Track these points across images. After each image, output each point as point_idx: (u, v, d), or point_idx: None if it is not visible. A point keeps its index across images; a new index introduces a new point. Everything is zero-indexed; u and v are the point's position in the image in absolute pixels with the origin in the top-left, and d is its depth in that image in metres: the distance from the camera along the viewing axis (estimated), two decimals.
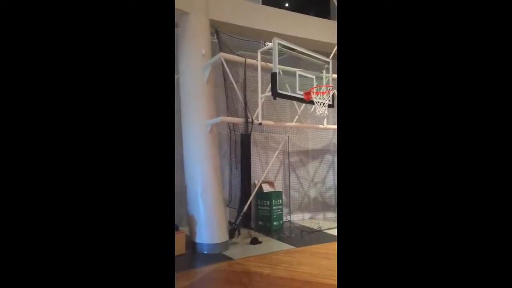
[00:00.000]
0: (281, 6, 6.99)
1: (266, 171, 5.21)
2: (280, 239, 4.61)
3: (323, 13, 6.19)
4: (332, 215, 6.08)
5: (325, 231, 5.01)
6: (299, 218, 5.84)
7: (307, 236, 4.69)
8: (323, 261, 3.56)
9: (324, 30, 5.51)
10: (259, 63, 4.19)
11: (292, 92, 4.21)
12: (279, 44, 3.98)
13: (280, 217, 5.32)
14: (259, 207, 5.33)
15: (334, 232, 4.91)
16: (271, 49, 4.03)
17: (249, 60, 4.44)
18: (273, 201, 5.20)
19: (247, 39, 5.05)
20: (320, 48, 5.17)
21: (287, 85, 4.19)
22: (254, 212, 5.35)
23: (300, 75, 4.32)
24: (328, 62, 4.77)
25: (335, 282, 2.87)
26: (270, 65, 4.16)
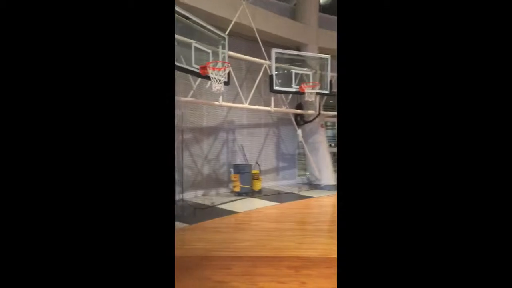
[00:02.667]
0: None
1: None
2: None
3: None
4: (225, 190, 6.29)
5: (217, 206, 5.14)
6: (192, 196, 5.79)
7: (200, 213, 4.70)
8: (216, 235, 3.66)
9: (219, 4, 5.37)
10: None
11: (187, 65, 3.98)
12: (175, 11, 3.65)
13: None
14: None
15: (226, 206, 5.10)
16: None
17: None
18: None
19: None
20: (215, 22, 5.03)
21: (181, 57, 3.92)
22: None
23: (196, 48, 4.11)
24: (224, 38, 4.70)
25: (228, 254, 3.01)
26: None
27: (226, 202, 5.35)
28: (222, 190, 6.29)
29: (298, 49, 6.80)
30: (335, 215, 5.39)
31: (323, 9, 7.66)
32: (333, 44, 7.16)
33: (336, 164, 7.52)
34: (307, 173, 7.37)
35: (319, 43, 7.03)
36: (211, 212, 4.79)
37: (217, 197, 5.80)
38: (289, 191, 6.41)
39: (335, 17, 7.94)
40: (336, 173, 7.14)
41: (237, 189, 5.89)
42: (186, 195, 5.63)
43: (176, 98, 4.98)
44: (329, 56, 6.36)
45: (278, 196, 5.95)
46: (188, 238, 3.55)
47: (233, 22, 5.36)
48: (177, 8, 3.73)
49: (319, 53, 6.62)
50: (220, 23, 5.23)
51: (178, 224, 4.11)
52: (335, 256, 3.00)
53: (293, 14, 7.16)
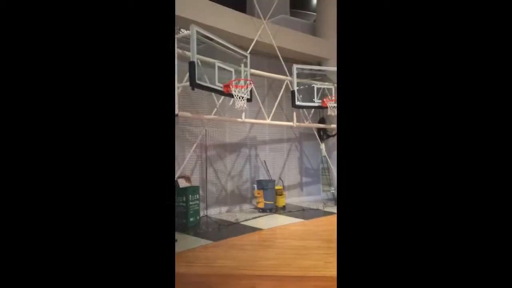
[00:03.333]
0: None
1: (182, 166, 4.98)
2: (197, 234, 4.48)
3: (239, 8, 6.22)
4: (248, 206, 6.26)
5: (241, 223, 5.10)
6: (216, 212, 5.80)
7: (224, 230, 4.69)
8: (241, 252, 3.61)
9: (241, 24, 5.54)
10: (175, 50, 3.92)
11: (211, 84, 4.10)
12: (197, 32, 3.81)
13: (197, 212, 5.17)
14: (175, 203, 5.06)
15: (250, 223, 5.05)
16: (187, 37, 3.82)
17: None
18: (190, 196, 5.02)
19: None
20: (237, 41, 5.18)
21: (205, 76, 4.05)
22: None
23: (219, 67, 4.24)
24: (246, 56, 4.82)
25: (253, 273, 2.95)
26: (187, 53, 3.95)
27: (250, 219, 5.30)
28: (246, 206, 6.26)
29: (319, 64, 6.82)
30: None
31: None
32: None
33: None
34: (332, 188, 7.18)
35: None
36: (235, 228, 4.76)
37: (241, 214, 5.77)
38: (314, 207, 6.26)
39: None
40: None
41: (261, 205, 5.83)
42: (211, 212, 5.65)
43: (200, 116, 5.11)
44: None
45: (302, 212, 5.83)
46: (213, 256, 3.53)
47: (254, 41, 5.49)
48: (200, 30, 3.90)
49: None
50: (242, 42, 5.38)
51: (202, 241, 4.12)
52: None
53: (313, 30, 7.23)
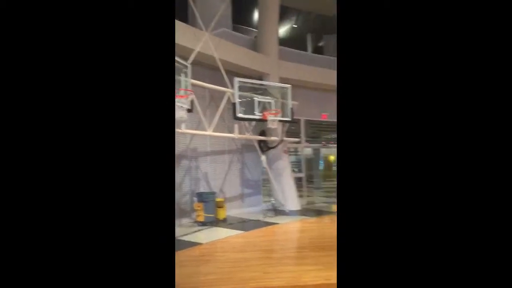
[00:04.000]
0: None
1: None
2: None
3: (182, 18, 6.14)
4: (188, 220, 6.04)
5: (180, 238, 4.89)
6: None
7: None
8: (179, 270, 3.43)
9: (182, 34, 5.46)
10: None
11: None
12: None
13: None
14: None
15: (189, 238, 4.87)
16: None
17: None
18: None
19: None
20: (178, 51, 5.08)
21: None
22: None
23: None
24: (186, 66, 4.74)
25: None
26: None
27: (189, 233, 5.11)
28: (186, 221, 6.03)
29: (260, 79, 7.06)
30: (301, 241, 5.38)
31: (282, 42, 8.13)
32: (293, 74, 7.55)
33: (299, 189, 7.64)
34: (272, 199, 7.38)
35: (280, 73, 7.37)
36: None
37: (179, 228, 5.53)
38: (255, 218, 6.33)
39: (294, 50, 8.43)
40: (301, 198, 7.24)
41: (201, 219, 5.68)
42: None
43: None
44: (290, 86, 6.68)
45: (243, 224, 5.84)
46: None
47: (195, 52, 5.45)
48: None
49: (280, 83, 6.93)
50: (183, 52, 5.29)
51: None
52: (302, 284, 2.96)
53: (254, 46, 7.50)
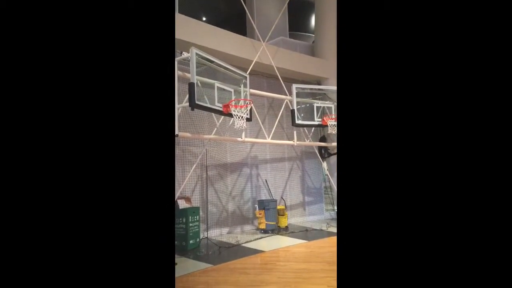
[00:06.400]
0: (199, 18, 6.92)
1: (182, 186, 4.93)
2: (197, 258, 4.36)
3: (239, 31, 6.38)
4: (250, 227, 6.13)
5: (243, 244, 4.97)
6: (216, 233, 5.68)
7: (225, 252, 4.56)
8: (242, 276, 3.49)
9: (240, 46, 5.66)
10: (176, 72, 3.99)
11: (211, 104, 4.13)
12: (197, 54, 3.88)
13: (197, 234, 5.06)
14: (175, 225, 4.97)
15: (251, 245, 4.92)
16: (188, 59, 3.90)
17: None
18: (190, 217, 4.93)
19: None
20: (236, 63, 5.27)
21: (205, 97, 4.09)
22: None
23: (218, 88, 4.29)
24: (245, 77, 4.88)
25: None
26: (188, 75, 4.01)
27: (251, 240, 5.17)
28: (248, 227, 6.13)
29: (319, 84, 6.90)
30: None
31: None
32: None
33: None
34: (335, 208, 7.05)
35: None
36: (237, 251, 4.64)
37: (242, 235, 5.64)
38: (317, 227, 6.12)
39: None
40: None
41: (263, 226, 5.71)
42: (211, 233, 5.53)
43: (200, 135, 5.11)
44: None
45: (305, 233, 5.69)
46: (213, 280, 3.41)
47: (254, 62, 5.59)
48: (199, 52, 3.98)
49: None
50: (242, 64, 5.48)
51: (202, 265, 4.00)
52: None
53: (312, 51, 7.38)
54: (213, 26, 5.45)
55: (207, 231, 5.43)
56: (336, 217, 6.83)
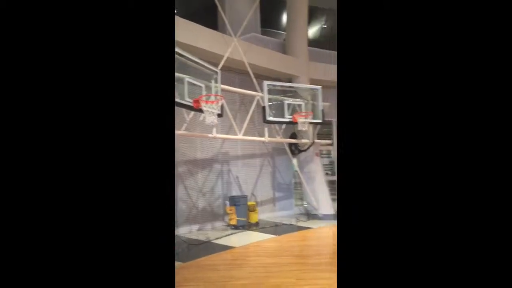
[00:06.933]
0: None
1: None
2: None
3: (211, 25, 6.28)
4: (221, 224, 6.11)
5: (213, 241, 4.95)
6: (186, 231, 5.59)
7: (195, 249, 4.51)
8: (211, 273, 3.48)
9: (212, 41, 5.58)
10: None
11: (181, 99, 4.04)
12: None
13: None
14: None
15: (222, 241, 4.92)
16: None
17: None
18: None
19: None
20: (208, 58, 5.19)
21: (175, 92, 3.98)
22: None
23: (189, 82, 4.20)
24: (216, 72, 4.83)
25: None
26: None
27: (222, 237, 5.16)
28: (218, 224, 6.11)
29: (290, 81, 6.99)
30: (335, 246, 5.14)
31: (312, 43, 8.01)
32: (323, 75, 7.39)
33: (332, 193, 7.41)
34: (304, 203, 7.24)
35: (310, 75, 7.24)
36: (207, 248, 4.60)
37: (212, 232, 5.61)
38: (287, 222, 6.24)
39: (324, 50, 8.25)
40: (335, 201, 7.02)
41: (234, 222, 5.72)
42: (181, 231, 5.44)
43: None
44: (320, 87, 6.53)
45: (275, 228, 5.78)
46: (181, 278, 3.36)
47: (225, 58, 5.54)
48: None
49: (310, 84, 6.80)
50: (213, 58, 5.40)
51: None
52: None
53: (283, 48, 7.46)
54: (183, 19, 5.31)
55: (176, 229, 5.33)
56: (305, 211, 7.03)
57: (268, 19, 9.65)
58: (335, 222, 6.09)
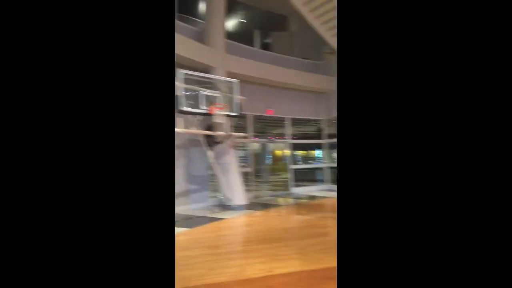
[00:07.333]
0: None
1: None
2: None
3: None
4: None
5: None
6: None
7: None
8: None
9: None
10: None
11: None
12: None
13: None
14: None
15: None
16: None
17: None
18: None
19: None
20: None
21: None
22: None
23: None
24: None
25: None
26: None
27: None
28: None
29: (207, 72, 6.89)
30: (246, 234, 5.37)
31: (229, 36, 8.04)
32: (240, 69, 7.53)
33: (246, 184, 7.70)
34: (219, 194, 7.31)
35: (226, 67, 7.28)
36: None
37: None
38: (201, 214, 6.21)
39: (241, 45, 8.39)
40: (246, 192, 7.29)
41: None
42: None
43: None
44: (237, 80, 6.63)
45: (188, 221, 5.68)
46: None
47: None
48: None
49: (227, 77, 6.85)
50: None
51: None
52: (246, 277, 2.96)
53: (201, 37, 7.29)
54: None
55: None
56: (219, 203, 7.10)
57: (185, 5, 9.25)
58: (247, 212, 6.35)
